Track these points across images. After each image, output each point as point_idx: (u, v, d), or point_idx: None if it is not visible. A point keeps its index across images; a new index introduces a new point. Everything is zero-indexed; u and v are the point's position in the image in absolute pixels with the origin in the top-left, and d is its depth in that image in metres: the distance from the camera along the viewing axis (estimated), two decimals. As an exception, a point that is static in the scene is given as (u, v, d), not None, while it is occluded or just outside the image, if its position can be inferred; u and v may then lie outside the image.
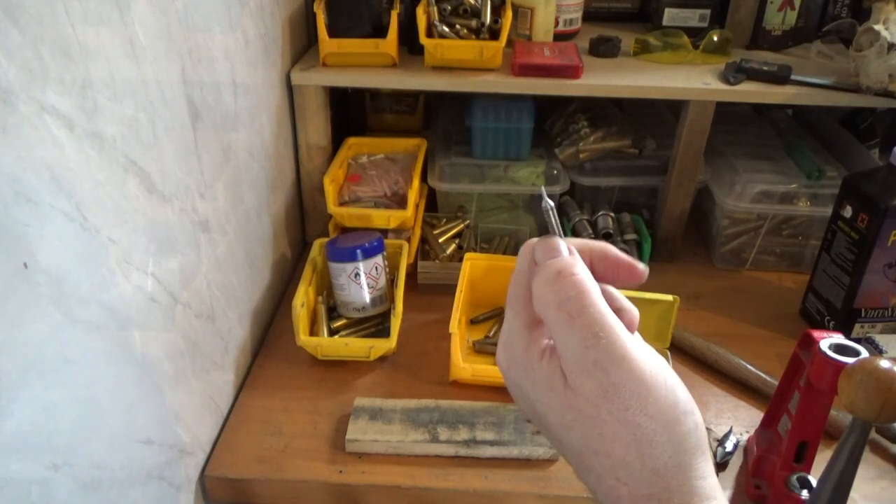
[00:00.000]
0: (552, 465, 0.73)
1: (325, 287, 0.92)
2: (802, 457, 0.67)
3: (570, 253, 0.33)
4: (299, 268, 0.96)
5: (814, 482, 0.66)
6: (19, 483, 0.44)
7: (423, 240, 1.03)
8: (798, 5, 1.06)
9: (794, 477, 0.67)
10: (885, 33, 0.89)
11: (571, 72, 0.95)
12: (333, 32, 0.96)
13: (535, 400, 0.33)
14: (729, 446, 0.74)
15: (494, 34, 0.98)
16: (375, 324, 0.91)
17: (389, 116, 1.22)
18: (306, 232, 1.10)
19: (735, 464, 0.74)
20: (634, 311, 0.36)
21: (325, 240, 0.93)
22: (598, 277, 0.35)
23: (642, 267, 0.35)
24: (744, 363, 0.84)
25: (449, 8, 1.00)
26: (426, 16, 0.97)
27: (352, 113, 1.23)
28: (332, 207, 0.97)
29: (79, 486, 0.50)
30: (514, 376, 0.34)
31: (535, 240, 0.35)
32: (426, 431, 0.74)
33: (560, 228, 0.35)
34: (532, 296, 0.33)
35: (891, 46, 0.88)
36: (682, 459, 0.30)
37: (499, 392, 0.81)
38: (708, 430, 0.76)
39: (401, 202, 0.99)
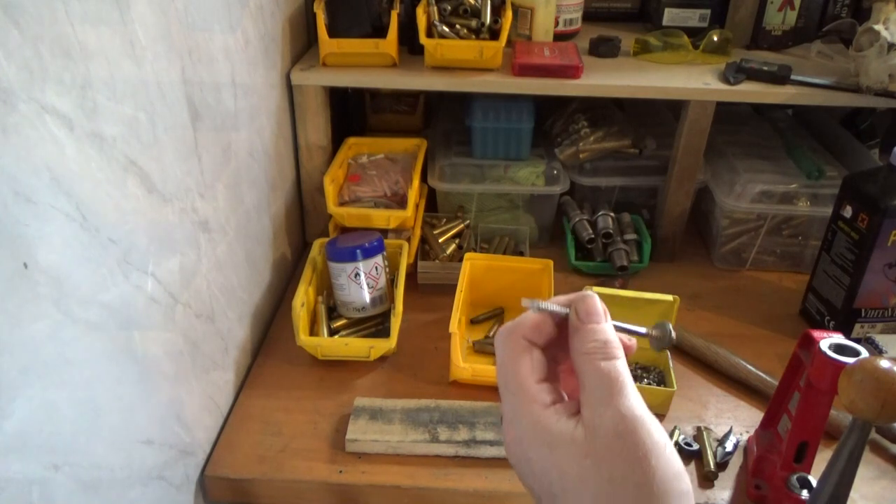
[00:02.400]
0: (552, 465, 0.73)
1: (325, 287, 0.92)
2: (802, 457, 0.67)
3: (607, 318, 0.38)
4: (299, 268, 0.96)
5: (814, 482, 0.66)
6: (19, 483, 0.44)
7: (423, 240, 1.03)
8: (798, 5, 1.06)
9: (794, 477, 0.67)
10: (885, 33, 0.89)
11: (571, 72, 0.95)
12: (333, 32, 0.96)
13: (554, 463, 0.35)
14: (729, 446, 0.74)
15: (494, 34, 0.98)
16: (375, 324, 0.91)
17: (389, 116, 1.22)
18: (306, 232, 1.10)
19: (735, 464, 0.74)
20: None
21: (325, 240, 0.93)
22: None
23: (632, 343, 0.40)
24: (744, 363, 0.84)
25: (449, 8, 1.00)
26: (426, 16, 0.97)
27: (352, 113, 1.23)
28: (332, 207, 0.97)
29: (79, 486, 0.50)
30: (526, 450, 0.37)
31: (520, 326, 0.38)
32: (426, 431, 0.74)
33: (560, 308, 0.39)
34: (571, 346, 0.37)
35: (891, 46, 0.88)
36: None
37: (499, 392, 0.81)
38: (708, 430, 0.76)
39: (401, 202, 0.99)
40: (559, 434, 0.35)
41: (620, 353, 0.37)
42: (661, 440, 0.34)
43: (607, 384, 0.35)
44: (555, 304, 0.39)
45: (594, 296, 0.39)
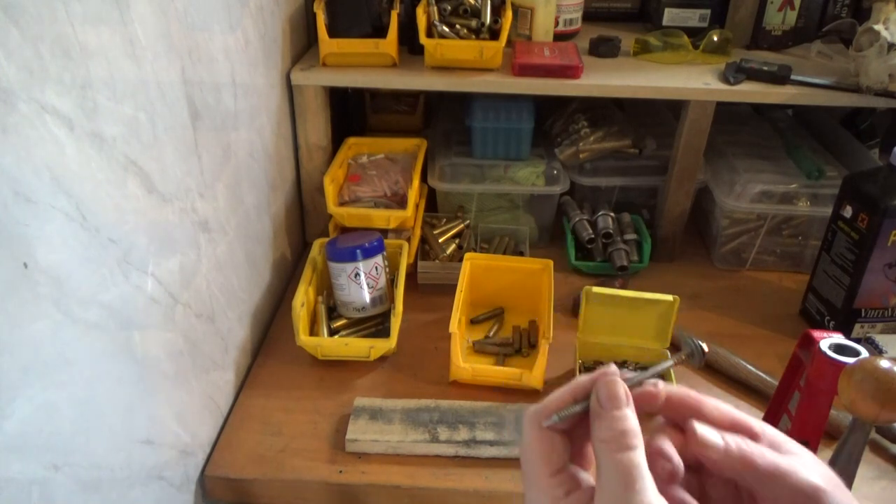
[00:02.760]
0: (552, 465, 0.73)
1: (325, 287, 0.93)
2: (802, 457, 0.67)
3: (628, 403, 0.37)
4: (299, 268, 0.96)
5: (814, 482, 0.66)
6: (19, 483, 0.44)
7: (423, 240, 1.03)
8: (798, 5, 1.06)
9: (794, 477, 0.67)
10: (885, 33, 0.89)
11: (571, 72, 0.95)
12: (333, 32, 0.96)
13: None
14: (729, 446, 0.74)
15: (494, 34, 0.98)
16: (375, 324, 0.91)
17: (389, 116, 1.22)
18: (306, 232, 1.10)
19: (735, 464, 0.74)
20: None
21: (325, 240, 0.93)
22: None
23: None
24: (744, 363, 0.84)
25: (449, 8, 1.00)
26: (426, 16, 0.97)
27: (352, 113, 1.23)
28: (332, 207, 0.97)
29: (79, 486, 0.50)
30: None
31: (544, 411, 0.38)
32: (426, 431, 0.74)
33: (581, 407, 0.38)
34: (592, 432, 0.37)
35: (891, 46, 0.88)
36: None
37: (499, 392, 0.81)
38: (708, 430, 0.76)
39: (401, 202, 0.99)
40: None
41: (638, 441, 0.36)
42: None
43: (621, 477, 0.35)
44: (576, 405, 0.38)
45: (616, 378, 0.38)
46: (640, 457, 0.35)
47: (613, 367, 0.38)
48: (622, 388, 0.37)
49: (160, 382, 0.62)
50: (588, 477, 0.39)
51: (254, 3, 0.83)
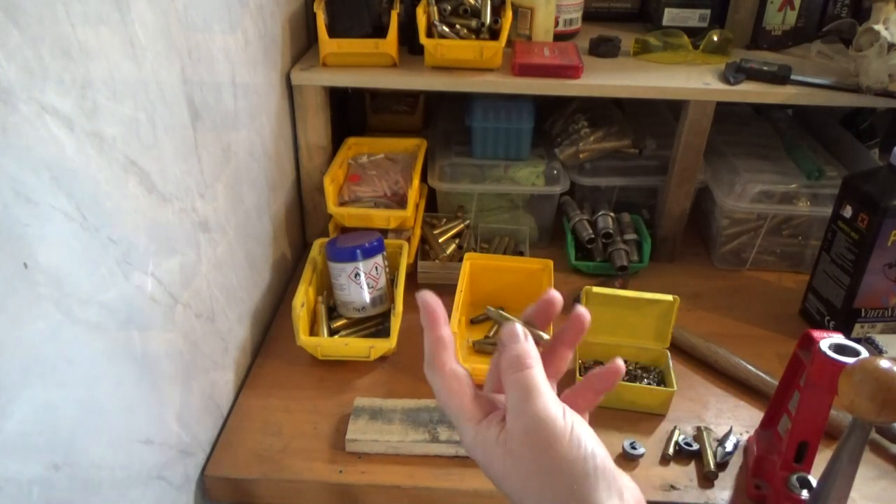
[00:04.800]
0: (552, 465, 0.73)
1: (325, 287, 0.93)
2: (802, 457, 0.67)
3: (525, 338, 0.44)
4: (299, 268, 0.96)
5: (814, 482, 0.66)
6: (19, 483, 0.44)
7: (423, 240, 1.03)
8: (798, 5, 1.06)
9: (794, 477, 0.67)
10: (885, 33, 0.89)
11: (571, 72, 0.95)
12: (333, 32, 0.96)
13: (489, 468, 0.43)
14: (729, 446, 0.74)
15: (494, 34, 0.98)
16: (375, 324, 0.91)
17: (389, 116, 1.22)
18: (306, 232, 1.10)
19: (735, 464, 0.74)
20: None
21: (325, 240, 0.93)
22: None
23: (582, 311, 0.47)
24: (744, 363, 0.84)
25: (449, 8, 1.00)
26: (426, 16, 0.97)
27: (352, 113, 1.23)
28: (332, 207, 0.97)
29: (79, 486, 0.50)
30: (477, 460, 0.44)
31: (437, 357, 0.44)
32: (426, 431, 0.74)
33: (509, 318, 0.47)
34: (500, 364, 0.43)
35: (891, 46, 0.88)
36: (582, 493, 0.39)
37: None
38: (708, 429, 0.76)
39: (401, 202, 0.99)
40: (489, 442, 0.42)
41: (533, 361, 0.42)
42: (563, 429, 0.40)
43: (520, 392, 0.41)
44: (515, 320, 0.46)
45: (513, 322, 0.45)
46: (535, 374, 0.42)
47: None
48: (520, 327, 0.44)
49: (160, 382, 0.62)
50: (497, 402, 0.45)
51: (254, 3, 0.83)
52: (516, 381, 0.41)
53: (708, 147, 0.99)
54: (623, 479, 0.41)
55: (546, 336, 0.47)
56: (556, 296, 0.47)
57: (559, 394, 0.45)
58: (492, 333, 0.91)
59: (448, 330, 0.45)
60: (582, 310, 0.46)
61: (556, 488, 0.39)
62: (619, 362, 0.46)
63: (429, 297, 0.45)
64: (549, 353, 0.47)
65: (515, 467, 0.41)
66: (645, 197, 1.12)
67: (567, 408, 0.42)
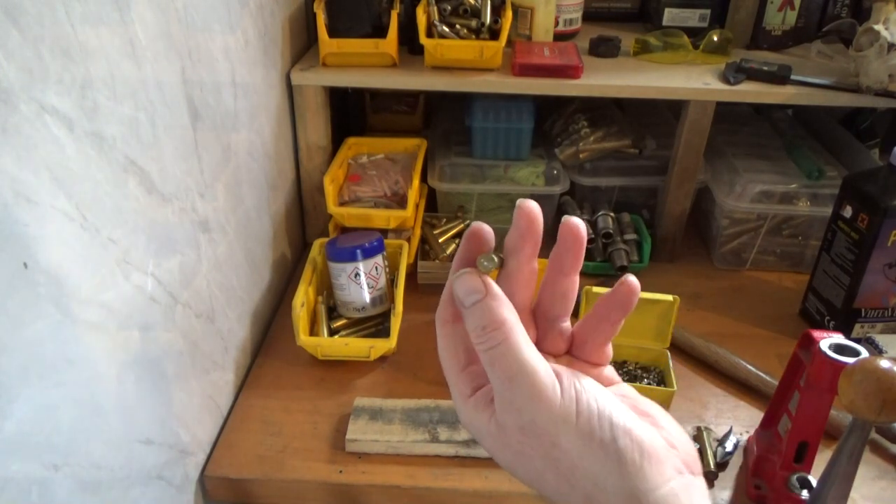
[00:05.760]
0: (552, 465, 0.73)
1: (325, 287, 0.92)
2: (802, 457, 0.67)
3: (487, 290, 0.34)
4: (299, 268, 0.96)
5: (814, 482, 0.66)
6: (19, 483, 0.44)
7: (423, 240, 1.03)
8: (798, 5, 1.06)
9: (794, 477, 0.67)
10: (885, 33, 0.89)
11: (571, 72, 0.95)
12: (333, 32, 0.96)
13: (487, 447, 0.36)
14: (729, 446, 0.74)
15: (494, 34, 0.98)
16: (375, 324, 0.91)
17: (389, 116, 1.22)
18: (306, 232, 1.10)
19: (735, 464, 0.74)
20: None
21: (325, 240, 0.93)
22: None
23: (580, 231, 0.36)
24: (744, 363, 0.84)
25: (449, 8, 1.00)
26: (426, 16, 0.97)
27: (352, 113, 1.23)
28: (332, 207, 0.97)
29: (79, 486, 0.50)
30: (473, 432, 0.37)
31: (440, 309, 0.37)
32: (426, 431, 0.74)
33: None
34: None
35: (891, 46, 0.88)
36: (611, 483, 0.32)
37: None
38: (708, 429, 0.76)
39: (401, 202, 0.99)
40: (480, 426, 0.35)
41: (508, 327, 0.33)
42: (568, 416, 0.32)
43: (501, 375, 0.33)
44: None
45: (469, 271, 0.35)
46: (514, 345, 0.32)
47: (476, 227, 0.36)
48: (477, 279, 0.34)
49: (160, 382, 0.62)
50: None
51: (254, 3, 0.83)
52: (491, 359, 0.33)
53: (708, 147, 0.99)
54: (675, 434, 0.34)
55: (497, 260, 0.35)
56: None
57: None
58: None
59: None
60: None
61: (578, 486, 0.32)
62: (633, 278, 0.36)
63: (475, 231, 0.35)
64: (550, 285, 0.37)
65: (521, 463, 0.34)
66: (645, 197, 1.12)
67: (566, 376, 0.33)
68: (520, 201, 0.36)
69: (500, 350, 0.33)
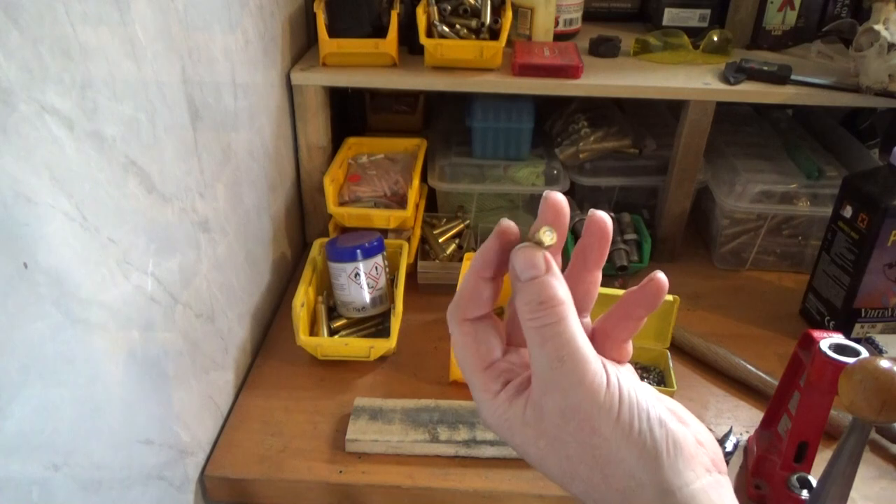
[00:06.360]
0: (552, 465, 0.73)
1: (325, 287, 0.92)
2: (802, 457, 0.67)
3: (548, 266, 0.33)
4: (299, 268, 0.96)
5: (814, 482, 0.66)
6: (19, 483, 0.44)
7: (423, 240, 1.03)
8: (798, 5, 1.06)
9: (794, 477, 0.67)
10: (885, 33, 0.89)
11: (571, 72, 0.95)
12: (333, 32, 0.96)
13: (516, 445, 0.35)
14: (729, 446, 0.74)
15: (494, 34, 0.98)
16: (375, 324, 0.91)
17: (389, 116, 1.22)
18: (306, 232, 1.10)
19: (735, 464, 0.74)
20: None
21: (325, 240, 0.93)
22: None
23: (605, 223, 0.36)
24: (744, 363, 0.84)
25: (449, 8, 1.00)
26: (426, 16, 0.97)
27: (352, 113, 1.23)
28: (332, 207, 0.97)
29: (79, 486, 0.50)
30: (499, 432, 0.36)
31: (459, 306, 0.36)
32: (426, 431, 0.74)
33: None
34: (516, 306, 0.34)
35: (891, 46, 0.88)
36: (647, 476, 0.31)
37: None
38: (708, 430, 0.76)
39: (401, 202, 0.99)
40: (512, 420, 0.34)
41: (564, 310, 0.32)
42: (612, 404, 0.32)
43: (550, 355, 0.32)
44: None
45: (530, 245, 0.33)
46: (569, 326, 0.32)
47: (506, 222, 0.35)
48: (538, 253, 0.33)
49: (160, 382, 0.62)
50: (525, 359, 0.36)
51: (254, 2, 0.83)
52: (543, 337, 0.32)
53: (708, 147, 0.99)
54: (701, 432, 0.34)
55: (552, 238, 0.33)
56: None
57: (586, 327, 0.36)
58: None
59: (496, 280, 0.36)
60: (661, 276, 0.37)
61: (611, 477, 0.31)
62: (661, 275, 0.36)
63: (505, 229, 0.34)
64: (572, 280, 0.36)
65: (554, 451, 0.33)
66: (645, 197, 1.12)
67: (610, 366, 0.33)
68: (546, 193, 0.35)
69: (555, 329, 0.32)
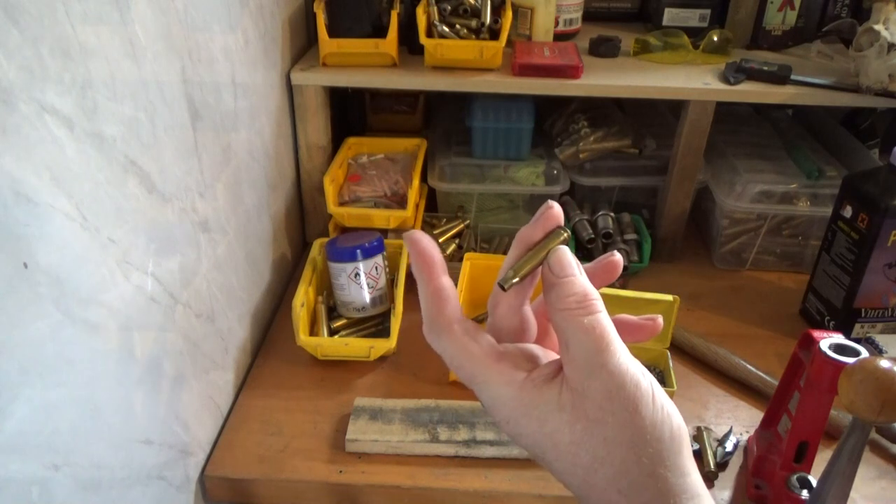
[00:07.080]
0: (552, 465, 0.73)
1: (325, 287, 0.92)
2: (802, 457, 0.67)
3: (580, 267, 0.36)
4: (299, 268, 0.96)
5: (814, 482, 0.66)
6: (19, 483, 0.44)
7: (423, 240, 1.03)
8: (798, 5, 1.06)
9: (794, 477, 0.67)
10: (885, 33, 0.89)
11: (571, 72, 0.95)
12: (333, 32, 0.96)
13: (545, 435, 0.34)
14: (729, 446, 0.74)
15: (494, 34, 0.98)
16: (375, 324, 0.91)
17: (389, 116, 1.22)
18: (306, 232, 1.10)
19: (735, 464, 0.74)
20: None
21: (325, 240, 0.93)
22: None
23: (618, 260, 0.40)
24: (744, 363, 0.84)
25: (449, 8, 1.00)
26: (426, 16, 0.97)
27: (352, 113, 1.23)
28: (332, 207, 0.97)
29: (79, 486, 0.50)
30: (515, 427, 0.35)
31: (443, 318, 0.37)
32: (426, 431, 0.74)
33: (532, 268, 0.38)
34: (548, 302, 0.35)
35: (891, 46, 0.88)
36: (670, 460, 0.33)
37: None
38: (708, 429, 0.76)
39: (401, 202, 0.99)
40: (544, 407, 0.34)
41: (601, 304, 0.34)
42: (647, 389, 0.33)
43: (593, 342, 0.33)
44: (524, 267, 0.37)
45: (563, 247, 0.36)
46: (605, 319, 0.34)
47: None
48: (572, 256, 0.36)
49: (160, 382, 0.62)
50: (537, 349, 0.37)
51: (254, 2, 0.83)
52: (586, 328, 0.33)
53: (708, 147, 0.99)
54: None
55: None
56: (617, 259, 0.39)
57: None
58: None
59: (448, 279, 0.37)
60: (617, 256, 0.39)
61: (644, 458, 0.33)
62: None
63: (420, 239, 0.37)
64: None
65: (591, 435, 0.33)
66: (645, 197, 1.12)
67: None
68: (548, 202, 0.39)
69: (600, 317, 0.34)
